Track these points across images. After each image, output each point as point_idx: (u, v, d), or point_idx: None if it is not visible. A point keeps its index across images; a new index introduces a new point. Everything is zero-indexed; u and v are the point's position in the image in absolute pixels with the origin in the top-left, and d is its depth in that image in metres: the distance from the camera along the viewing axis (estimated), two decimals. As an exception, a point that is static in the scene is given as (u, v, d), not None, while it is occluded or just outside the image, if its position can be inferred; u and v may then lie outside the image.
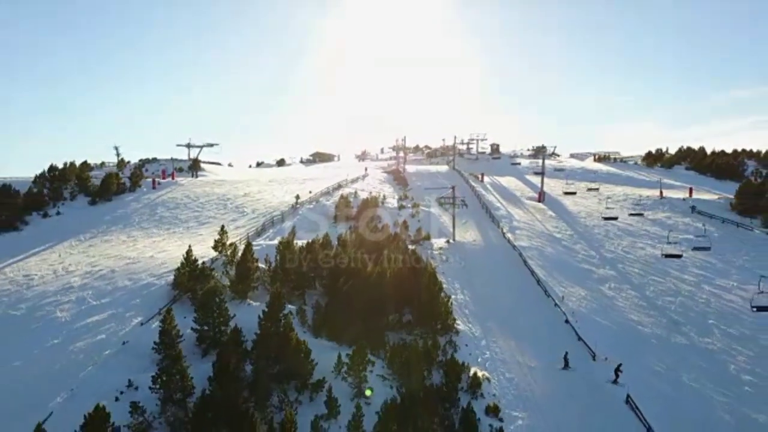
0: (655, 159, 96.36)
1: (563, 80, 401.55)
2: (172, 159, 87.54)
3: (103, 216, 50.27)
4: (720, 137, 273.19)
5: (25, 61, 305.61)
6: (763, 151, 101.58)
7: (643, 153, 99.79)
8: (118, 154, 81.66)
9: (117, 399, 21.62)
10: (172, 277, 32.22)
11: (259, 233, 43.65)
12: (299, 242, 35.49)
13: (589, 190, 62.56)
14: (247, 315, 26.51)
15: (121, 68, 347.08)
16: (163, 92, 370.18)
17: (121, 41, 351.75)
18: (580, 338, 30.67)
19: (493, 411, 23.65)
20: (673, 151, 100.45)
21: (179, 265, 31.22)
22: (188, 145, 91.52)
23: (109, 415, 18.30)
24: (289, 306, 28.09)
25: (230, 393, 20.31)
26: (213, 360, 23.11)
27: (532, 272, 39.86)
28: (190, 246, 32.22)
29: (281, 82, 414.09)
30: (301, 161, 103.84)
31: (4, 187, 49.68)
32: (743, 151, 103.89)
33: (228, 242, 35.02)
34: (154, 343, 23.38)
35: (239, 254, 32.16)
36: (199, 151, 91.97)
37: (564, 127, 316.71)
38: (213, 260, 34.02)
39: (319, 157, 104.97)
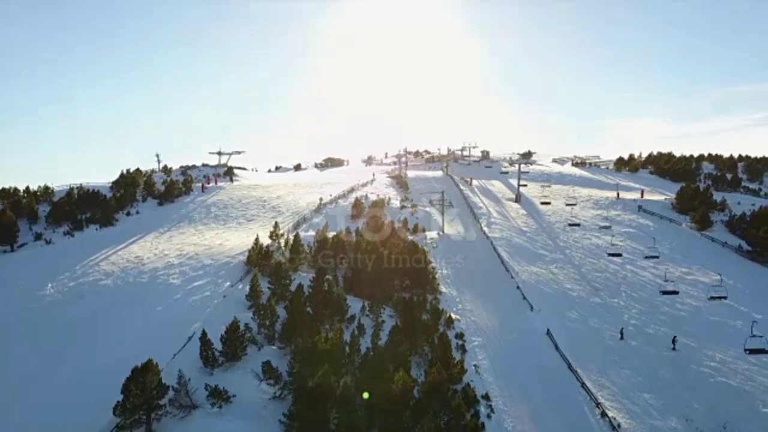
0: (624, 164, 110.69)
1: (563, 79, 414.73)
2: (204, 165, 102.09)
3: (171, 214, 64.53)
4: (721, 134, 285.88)
5: (24, 61, 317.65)
6: (725, 155, 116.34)
7: (642, 154, 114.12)
8: (159, 161, 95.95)
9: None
10: (242, 257, 46.49)
11: (295, 227, 57.77)
12: (329, 234, 49.70)
13: (543, 187, 76.42)
14: (300, 280, 40.58)
15: (119, 68, 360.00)
16: (163, 93, 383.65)
17: (120, 41, 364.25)
18: (524, 297, 44.83)
19: (459, 336, 37.75)
20: (645, 154, 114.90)
21: (250, 248, 45.46)
22: (219, 153, 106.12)
23: (239, 326, 32.51)
24: (327, 276, 42.30)
25: (301, 318, 34.48)
26: (283, 306, 37.38)
27: (499, 255, 54.02)
28: (258, 235, 46.50)
29: (281, 83, 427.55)
30: (316, 166, 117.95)
31: (94, 192, 64.08)
32: (710, 155, 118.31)
33: (280, 233, 49.47)
34: (246, 295, 37.83)
35: (290, 242, 46.48)
36: (229, 158, 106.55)
37: (564, 126, 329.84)
38: (269, 246, 48.22)
39: (330, 162, 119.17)
